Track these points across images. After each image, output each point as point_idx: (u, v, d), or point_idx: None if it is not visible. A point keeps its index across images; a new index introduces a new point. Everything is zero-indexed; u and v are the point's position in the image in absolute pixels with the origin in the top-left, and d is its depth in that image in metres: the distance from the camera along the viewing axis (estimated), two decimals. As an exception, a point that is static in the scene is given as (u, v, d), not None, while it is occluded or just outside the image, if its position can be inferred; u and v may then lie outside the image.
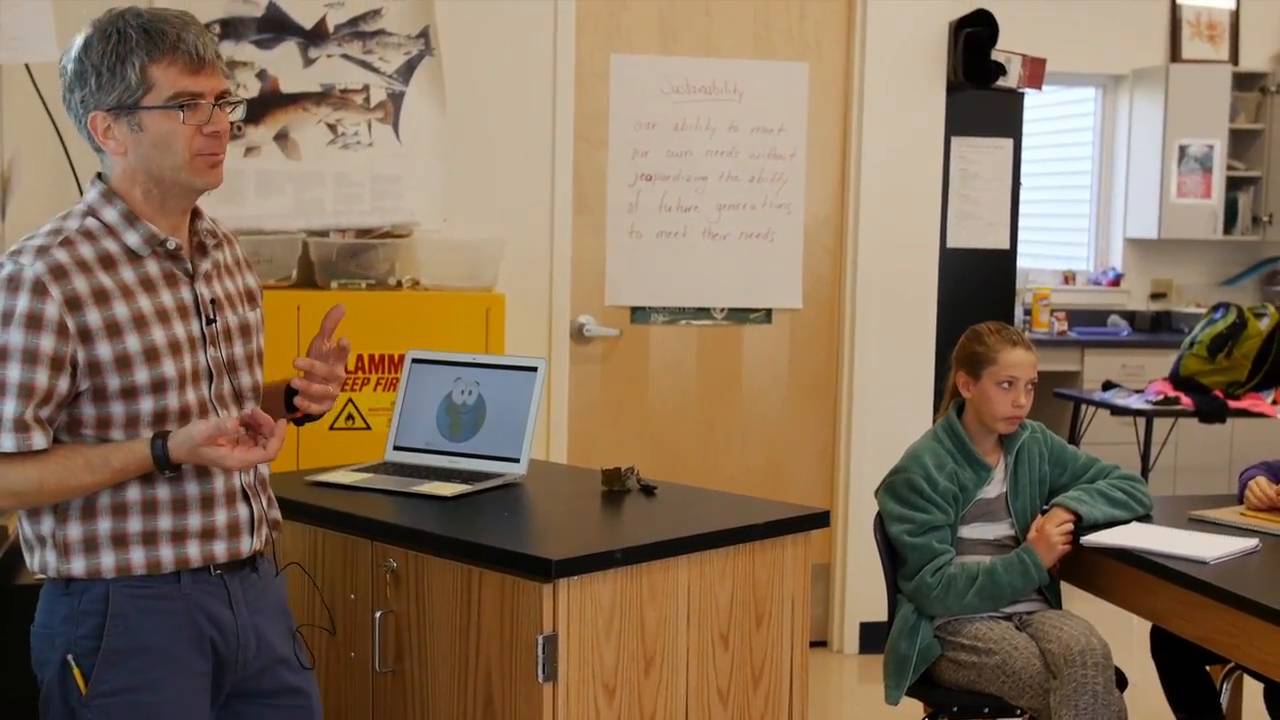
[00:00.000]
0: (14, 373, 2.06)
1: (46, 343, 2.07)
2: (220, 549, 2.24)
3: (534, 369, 3.04)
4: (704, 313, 5.07)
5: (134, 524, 2.18)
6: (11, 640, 2.81)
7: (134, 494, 2.17)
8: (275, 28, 4.40)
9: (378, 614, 2.63)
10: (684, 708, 2.61)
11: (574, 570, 2.40)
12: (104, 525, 2.17)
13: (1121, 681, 3.27)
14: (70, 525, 2.16)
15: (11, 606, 2.83)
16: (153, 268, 2.19)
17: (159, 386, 2.16)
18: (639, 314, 5.00)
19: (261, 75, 4.39)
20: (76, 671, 2.16)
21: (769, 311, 5.13)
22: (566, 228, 4.80)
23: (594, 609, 2.44)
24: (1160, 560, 3.10)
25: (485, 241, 4.48)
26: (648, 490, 2.96)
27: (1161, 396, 6.19)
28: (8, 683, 2.80)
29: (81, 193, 3.63)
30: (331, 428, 4.13)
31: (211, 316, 2.26)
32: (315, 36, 4.44)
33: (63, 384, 2.10)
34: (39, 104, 3.37)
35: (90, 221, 2.16)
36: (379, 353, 4.16)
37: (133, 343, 2.13)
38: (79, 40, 2.14)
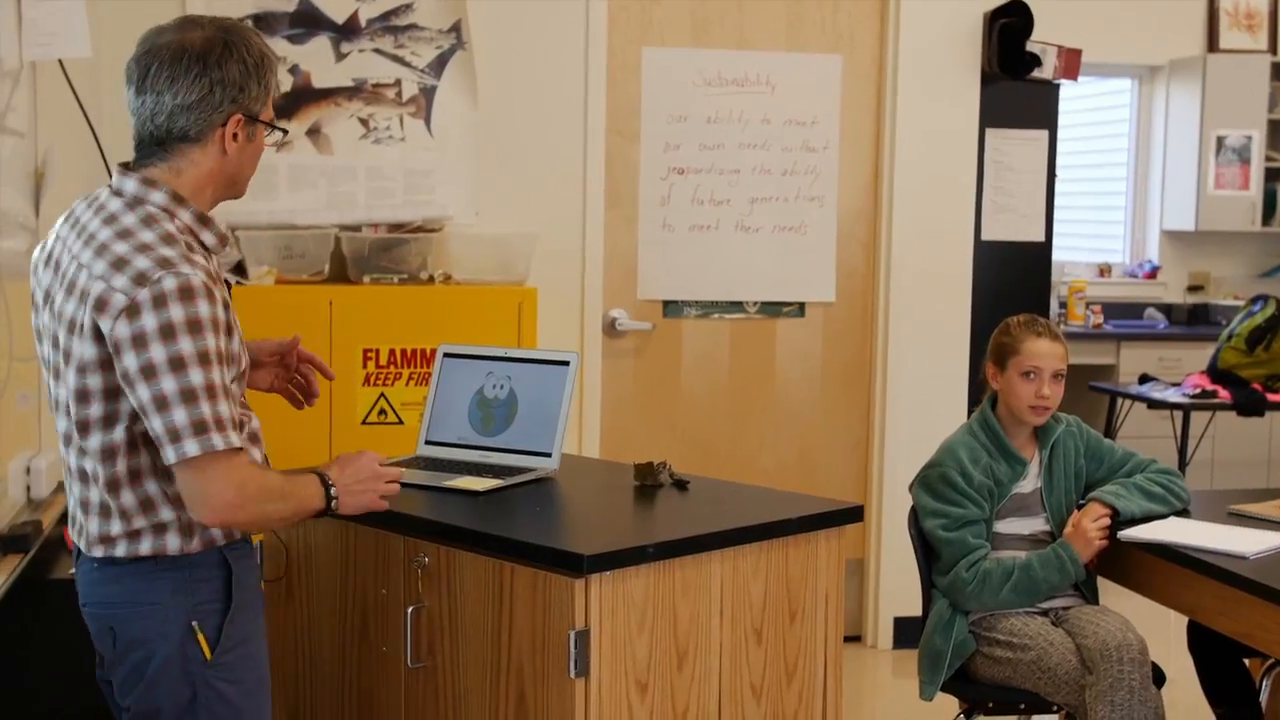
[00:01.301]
0: (218, 375, 2.14)
1: (223, 344, 2.17)
2: None
3: (566, 363, 3.03)
4: (737, 306, 5.05)
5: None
6: (47, 632, 2.82)
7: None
8: (307, 22, 4.41)
9: (409, 609, 2.62)
10: (717, 704, 2.59)
11: (606, 565, 2.39)
12: (177, 514, 2.26)
13: (1159, 678, 3.23)
14: (167, 510, 2.24)
15: (46, 601, 2.85)
16: (215, 264, 2.29)
17: (243, 376, 2.34)
18: (671, 308, 4.98)
19: (294, 70, 4.40)
20: (201, 637, 2.25)
21: (802, 305, 5.11)
22: (599, 221, 4.79)
23: (626, 604, 2.43)
24: (1199, 555, 3.06)
25: (517, 235, 4.47)
26: (680, 485, 2.94)
27: (1199, 390, 6.13)
28: (45, 672, 2.82)
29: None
30: (364, 422, 4.13)
31: (229, 301, 2.33)
32: (347, 31, 4.45)
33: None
34: (73, 100, 3.38)
35: (173, 224, 2.21)
36: (411, 347, 4.16)
37: (236, 338, 2.27)
38: (238, 44, 2.22)
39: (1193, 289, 8.00)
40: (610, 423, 4.89)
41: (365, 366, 4.14)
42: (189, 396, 2.10)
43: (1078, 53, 5.30)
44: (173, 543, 2.25)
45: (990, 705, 3.37)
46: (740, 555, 2.61)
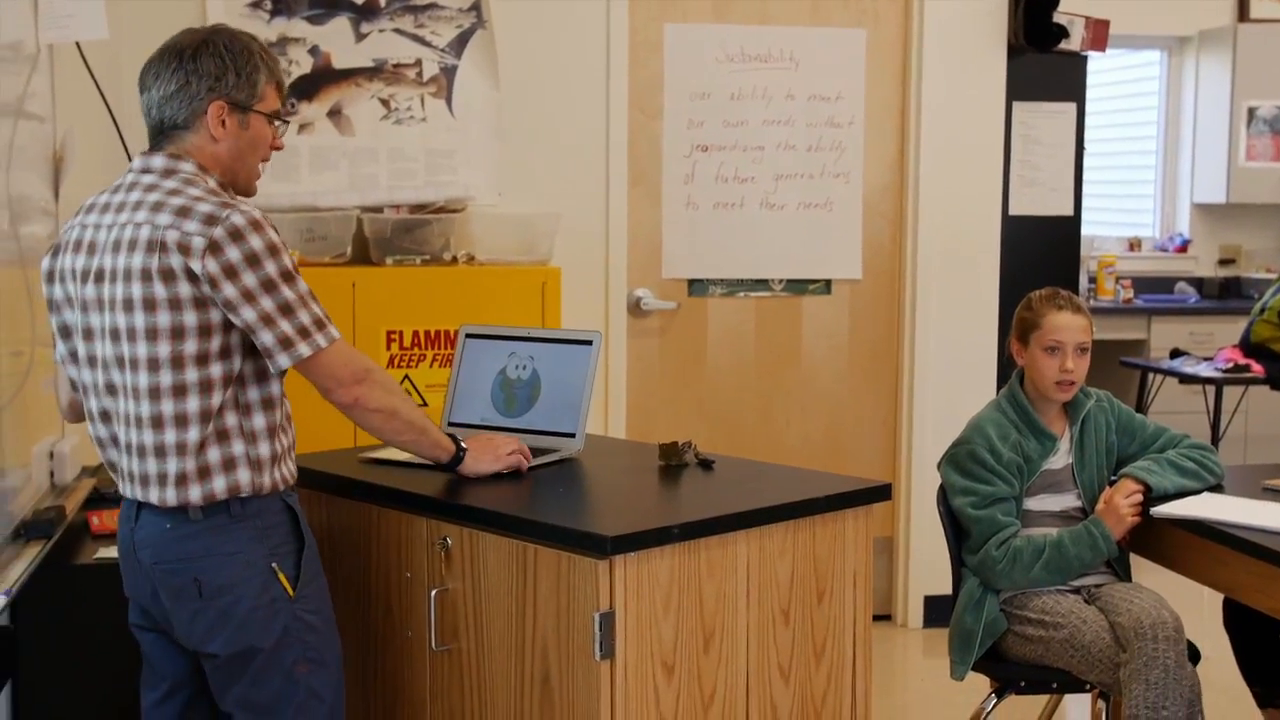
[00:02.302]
0: (303, 285, 2.43)
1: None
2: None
3: (589, 342, 3.00)
4: (762, 284, 5.02)
5: (283, 441, 2.49)
6: (70, 617, 2.82)
7: (276, 416, 2.47)
8: (327, 3, 4.38)
9: (433, 592, 2.60)
10: (744, 685, 2.57)
11: (631, 546, 2.36)
12: (271, 446, 2.46)
13: (1194, 655, 3.19)
14: (260, 444, 2.43)
15: (72, 586, 2.84)
16: None
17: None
18: (696, 286, 4.95)
19: (313, 51, 4.37)
20: (283, 577, 2.45)
21: (828, 282, 5.07)
22: (622, 200, 4.75)
23: (651, 585, 2.41)
24: (1233, 531, 3.01)
25: (540, 215, 4.44)
26: (706, 464, 2.91)
27: (1231, 364, 6.06)
28: (68, 657, 2.81)
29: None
30: (388, 404, 4.11)
31: None
32: (367, 11, 4.42)
33: None
34: (90, 83, 3.37)
35: (207, 186, 2.43)
36: (435, 328, 4.14)
37: None
38: (217, 41, 2.46)
39: (1224, 262, 7.91)
40: (635, 402, 4.87)
41: (389, 349, 4.12)
42: (287, 309, 2.38)
43: (1106, 24, 5.24)
44: (244, 477, 2.41)
45: (1022, 684, 3.34)
46: (767, 535, 2.58)
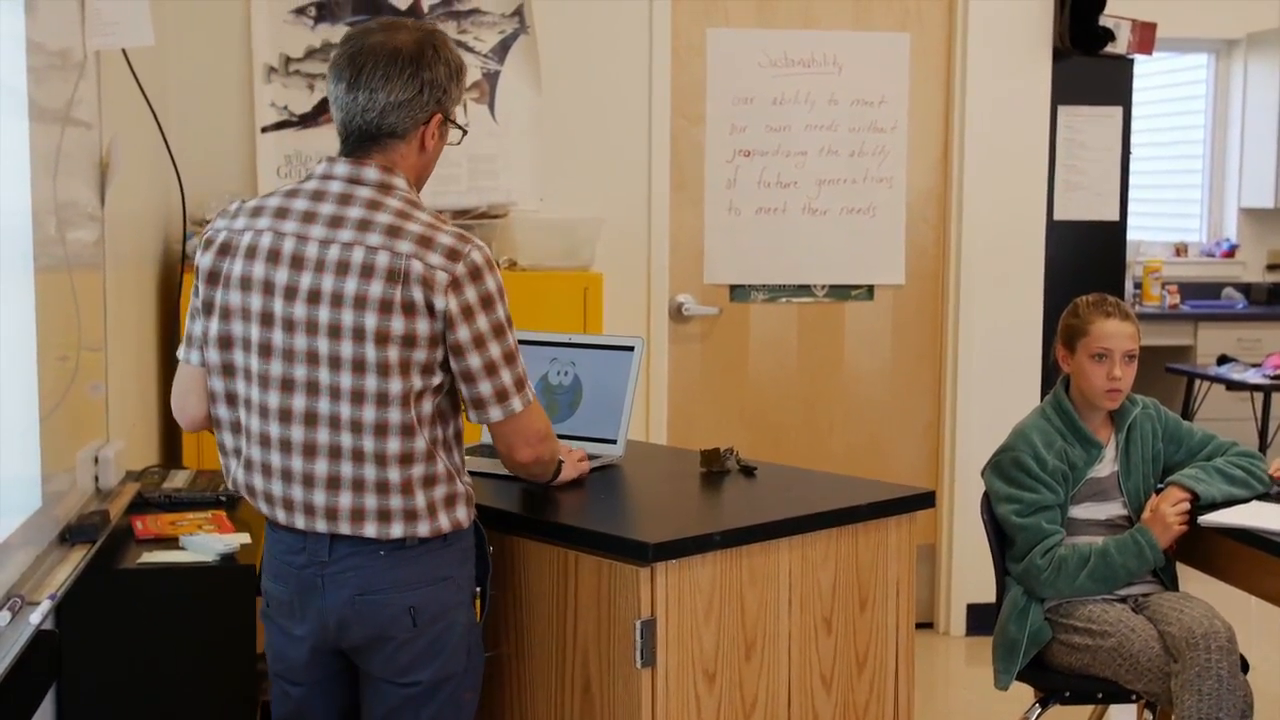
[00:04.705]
0: (515, 337, 2.35)
1: None
2: None
3: (631, 348, 2.99)
4: (805, 290, 5.00)
5: (465, 479, 2.41)
6: (114, 622, 2.83)
7: (456, 457, 2.38)
8: (371, 9, 4.40)
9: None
10: (786, 694, 2.56)
11: (672, 553, 2.36)
12: (460, 484, 2.38)
13: (1244, 665, 3.15)
14: (464, 476, 2.39)
15: (117, 590, 2.85)
16: None
17: None
18: (738, 292, 4.94)
19: (357, 57, 4.38)
20: (478, 601, 2.45)
21: (871, 288, 5.05)
22: (664, 205, 4.75)
23: (693, 593, 2.40)
24: (1282, 541, 2.98)
25: (582, 220, 4.44)
26: (747, 471, 2.90)
27: (1279, 371, 6.01)
28: (112, 661, 2.83)
29: (180, 179, 3.64)
30: (430, 409, 4.12)
31: None
32: (410, 17, 4.43)
33: None
34: (137, 90, 3.39)
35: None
36: (477, 334, 4.14)
37: None
38: (440, 47, 2.34)
39: (1272, 267, 7.83)
40: (677, 408, 4.86)
41: (431, 354, 4.12)
42: (510, 358, 2.32)
43: (1152, 27, 5.19)
44: (462, 513, 2.37)
45: (1067, 694, 3.31)
46: (809, 542, 2.57)
